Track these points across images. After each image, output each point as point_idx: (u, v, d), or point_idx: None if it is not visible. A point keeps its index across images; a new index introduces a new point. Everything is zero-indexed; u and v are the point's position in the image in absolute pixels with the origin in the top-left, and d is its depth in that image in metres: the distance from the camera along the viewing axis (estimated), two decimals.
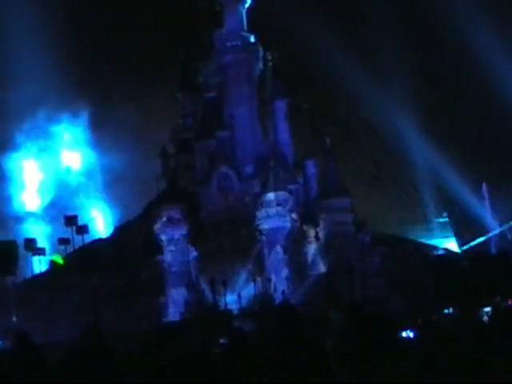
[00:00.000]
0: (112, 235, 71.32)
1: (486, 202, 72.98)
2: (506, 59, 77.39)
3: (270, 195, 61.57)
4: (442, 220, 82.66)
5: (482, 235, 70.47)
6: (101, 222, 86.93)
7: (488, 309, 50.73)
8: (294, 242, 62.14)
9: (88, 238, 73.12)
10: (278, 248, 60.87)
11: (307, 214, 64.75)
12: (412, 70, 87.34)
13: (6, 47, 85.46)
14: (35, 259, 72.05)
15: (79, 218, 74.49)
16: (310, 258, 62.84)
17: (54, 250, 73.16)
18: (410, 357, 5.23)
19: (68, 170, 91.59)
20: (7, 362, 7.27)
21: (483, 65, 79.62)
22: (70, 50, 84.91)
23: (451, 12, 79.85)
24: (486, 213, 72.68)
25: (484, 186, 73.38)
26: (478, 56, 79.27)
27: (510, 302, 52.99)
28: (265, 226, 61.48)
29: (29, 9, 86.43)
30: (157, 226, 62.48)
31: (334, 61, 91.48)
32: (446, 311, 54.34)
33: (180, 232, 61.90)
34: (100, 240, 71.78)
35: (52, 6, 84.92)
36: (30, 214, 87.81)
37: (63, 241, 71.84)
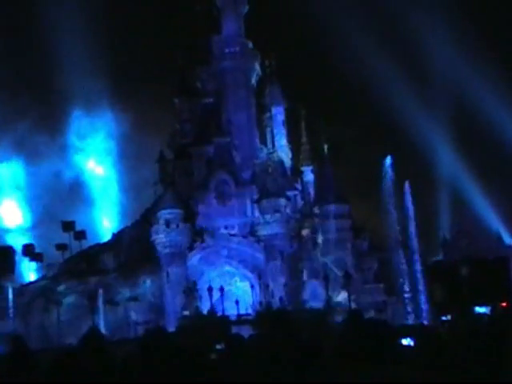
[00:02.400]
0: (110, 241, 71.13)
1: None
2: None
3: (268, 201, 61.53)
4: None
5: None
6: (98, 227, 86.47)
7: (483, 309, 50.85)
8: (292, 248, 62.07)
9: (85, 245, 73.00)
10: (276, 254, 60.79)
11: (305, 220, 64.73)
12: (411, 73, 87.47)
13: None
14: (33, 265, 71.95)
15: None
16: (307, 264, 62.76)
17: (51, 256, 72.92)
18: (409, 364, 5.19)
19: (60, 177, 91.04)
20: (2, 366, 7.23)
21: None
22: (62, 54, 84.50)
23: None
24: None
25: None
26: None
27: (504, 305, 53.12)
28: (262, 232, 61.42)
29: (8, 16, 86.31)
30: (154, 232, 62.41)
31: (332, 66, 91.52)
32: (443, 318, 54.42)
33: (177, 238, 61.80)
34: (98, 245, 71.61)
35: (34, 10, 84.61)
36: (23, 225, 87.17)
37: (60, 246, 71.65)
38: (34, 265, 71.87)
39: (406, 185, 61.00)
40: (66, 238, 72.62)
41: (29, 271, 72.50)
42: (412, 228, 60.64)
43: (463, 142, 78.97)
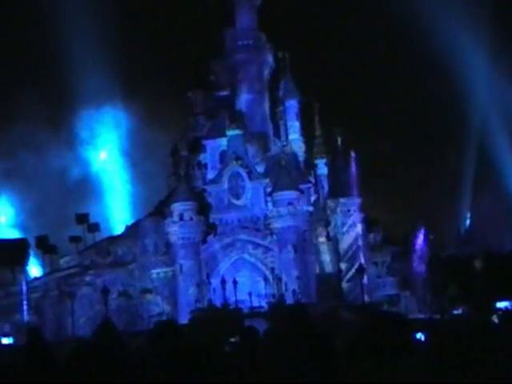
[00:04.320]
0: (123, 233, 71.28)
1: None
2: None
3: (281, 194, 61.53)
4: None
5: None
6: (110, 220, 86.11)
7: (504, 304, 50.49)
8: (305, 241, 62.08)
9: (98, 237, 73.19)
10: (289, 247, 60.81)
11: (318, 213, 64.69)
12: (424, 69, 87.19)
13: None
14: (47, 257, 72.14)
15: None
16: (320, 257, 62.78)
17: (65, 248, 73.07)
18: (424, 358, 5.19)
19: (69, 171, 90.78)
20: (18, 359, 7.27)
21: None
22: (72, 48, 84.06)
23: None
24: None
25: None
26: None
27: None
28: (276, 225, 61.46)
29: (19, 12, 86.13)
30: (168, 224, 62.56)
31: (346, 58, 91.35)
32: (455, 312, 54.29)
33: (191, 230, 61.95)
34: (111, 238, 71.77)
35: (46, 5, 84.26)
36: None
37: (74, 238, 71.89)
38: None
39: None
40: (78, 231, 72.91)
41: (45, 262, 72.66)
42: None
43: (481, 132, 78.58)
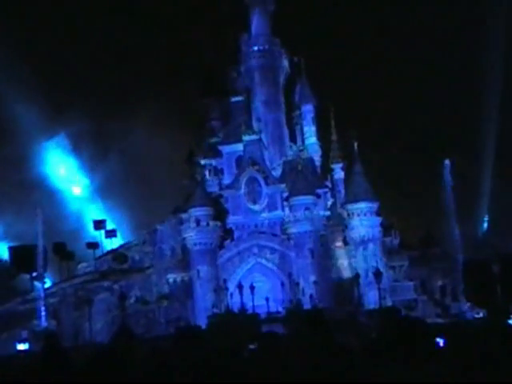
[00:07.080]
0: (140, 239, 71.38)
1: None
2: None
3: (298, 199, 61.41)
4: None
5: None
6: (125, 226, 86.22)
7: None
8: (322, 245, 61.90)
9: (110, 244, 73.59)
10: (306, 252, 60.66)
11: (335, 217, 64.49)
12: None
13: None
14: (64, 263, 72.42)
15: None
16: (337, 261, 62.55)
17: (83, 255, 73.33)
18: (443, 362, 5.13)
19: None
20: (35, 364, 7.27)
21: None
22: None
23: None
24: None
25: None
26: None
27: None
28: (293, 229, 61.32)
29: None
30: (185, 230, 62.57)
31: (361, 62, 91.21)
32: (475, 315, 53.98)
33: (208, 236, 61.91)
34: (128, 244, 71.97)
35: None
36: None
37: (91, 245, 72.15)
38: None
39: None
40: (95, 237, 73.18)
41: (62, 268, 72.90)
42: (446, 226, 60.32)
43: (498, 136, 78.25)
